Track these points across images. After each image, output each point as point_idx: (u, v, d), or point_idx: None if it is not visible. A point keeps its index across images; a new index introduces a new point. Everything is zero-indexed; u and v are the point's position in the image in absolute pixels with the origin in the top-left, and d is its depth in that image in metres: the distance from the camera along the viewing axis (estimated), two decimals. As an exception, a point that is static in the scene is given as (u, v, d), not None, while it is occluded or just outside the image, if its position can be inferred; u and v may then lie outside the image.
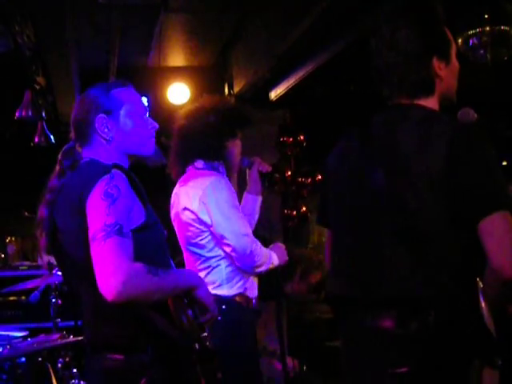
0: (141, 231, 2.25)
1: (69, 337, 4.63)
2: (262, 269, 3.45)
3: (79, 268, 2.26)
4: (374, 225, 2.20)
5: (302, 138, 6.34)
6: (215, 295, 3.27)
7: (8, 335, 4.53)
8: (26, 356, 4.27)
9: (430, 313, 2.05)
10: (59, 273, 4.78)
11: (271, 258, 3.49)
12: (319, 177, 6.14)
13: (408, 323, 2.07)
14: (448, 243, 2.09)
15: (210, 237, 3.41)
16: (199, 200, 3.38)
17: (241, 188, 3.88)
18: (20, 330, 4.96)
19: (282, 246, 3.66)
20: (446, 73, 2.28)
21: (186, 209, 3.45)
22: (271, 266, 3.50)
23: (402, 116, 2.25)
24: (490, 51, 3.76)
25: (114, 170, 2.25)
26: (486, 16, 3.77)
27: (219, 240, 3.39)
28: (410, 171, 2.11)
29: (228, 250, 3.37)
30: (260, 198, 3.80)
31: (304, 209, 6.24)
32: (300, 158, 6.38)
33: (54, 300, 5.04)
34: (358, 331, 2.22)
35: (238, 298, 3.45)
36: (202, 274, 3.39)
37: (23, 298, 6.17)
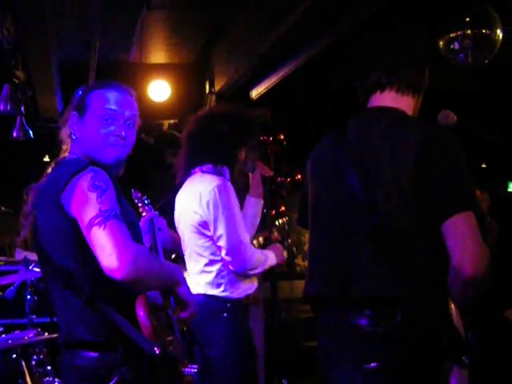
0: None
1: (44, 334, 4.60)
2: (257, 271, 3.51)
3: (53, 266, 2.25)
4: (347, 226, 2.26)
5: (282, 137, 6.34)
6: (221, 298, 3.42)
7: (-18, 331, 4.48)
8: (0, 353, 4.23)
9: (397, 312, 2.11)
10: (35, 269, 4.74)
11: (266, 260, 3.54)
12: (299, 176, 6.15)
13: (377, 322, 2.14)
14: (417, 245, 2.14)
15: (212, 240, 3.46)
16: (204, 202, 3.40)
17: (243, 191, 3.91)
18: (-6, 326, 4.92)
19: (280, 246, 3.76)
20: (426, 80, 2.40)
21: (190, 210, 3.48)
22: (267, 267, 3.56)
23: (375, 119, 2.31)
24: (470, 54, 3.77)
25: (91, 167, 2.23)
26: (468, 19, 3.78)
27: (216, 242, 3.43)
28: (381, 174, 2.17)
29: (222, 253, 3.41)
30: (261, 201, 3.88)
31: (283, 208, 6.24)
32: (280, 158, 6.39)
33: (29, 296, 5.00)
34: (334, 329, 2.28)
35: (243, 300, 3.53)
36: (207, 278, 3.47)
37: (-1, 293, 6.11)
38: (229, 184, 3.48)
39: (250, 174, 3.88)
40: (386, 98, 2.34)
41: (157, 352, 2.20)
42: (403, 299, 2.11)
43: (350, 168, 2.24)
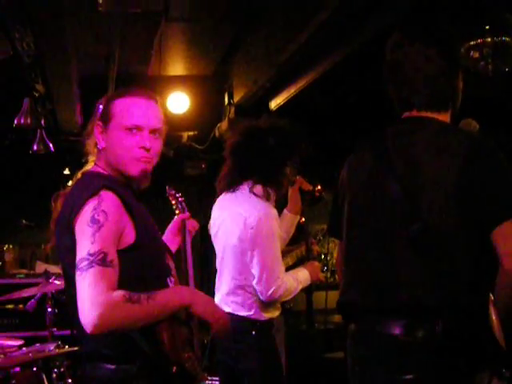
0: (131, 251, 2.23)
1: (64, 346, 4.60)
2: (287, 298, 3.51)
3: (68, 281, 2.24)
4: (388, 235, 2.23)
5: (301, 148, 6.29)
6: (251, 319, 3.45)
7: (3, 344, 4.49)
8: (21, 365, 4.24)
9: (437, 322, 2.07)
10: (56, 281, 4.76)
11: (298, 287, 3.53)
12: (318, 187, 6.11)
13: (416, 331, 2.10)
14: (461, 254, 2.10)
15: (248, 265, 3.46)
16: (247, 228, 3.40)
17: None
18: (15, 338, 4.93)
19: (317, 264, 3.73)
20: (459, 89, 2.37)
21: (233, 234, 3.48)
22: (300, 289, 3.56)
23: (418, 127, 2.30)
24: (491, 62, 3.74)
25: (102, 192, 2.20)
26: (487, 27, 3.75)
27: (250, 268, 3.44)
28: (425, 182, 2.15)
29: (254, 281, 3.42)
30: (297, 217, 3.90)
31: (302, 219, 6.21)
32: (299, 169, 6.35)
33: (49, 309, 5.02)
34: (369, 337, 2.25)
35: (274, 321, 3.57)
36: (236, 299, 3.49)
37: (20, 306, 6.13)
38: (274, 212, 3.46)
39: (290, 188, 3.84)
40: (417, 115, 2.34)
41: (173, 371, 2.19)
42: (444, 308, 2.08)
43: (391, 175, 2.23)
